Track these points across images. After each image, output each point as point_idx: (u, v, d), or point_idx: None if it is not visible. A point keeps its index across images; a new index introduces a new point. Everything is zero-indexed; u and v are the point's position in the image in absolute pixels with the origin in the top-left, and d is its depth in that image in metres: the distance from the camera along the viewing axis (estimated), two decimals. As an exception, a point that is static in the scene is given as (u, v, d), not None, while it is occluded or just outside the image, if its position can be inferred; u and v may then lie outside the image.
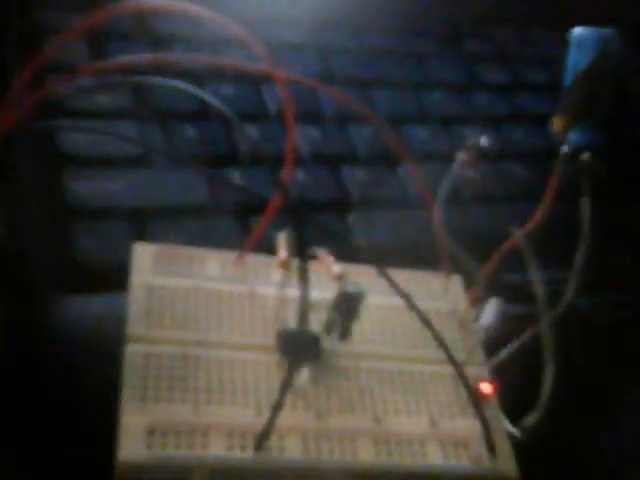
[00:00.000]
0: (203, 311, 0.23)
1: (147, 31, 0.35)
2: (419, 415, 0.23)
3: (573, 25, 0.29)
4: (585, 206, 0.23)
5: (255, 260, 0.25)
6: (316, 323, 0.23)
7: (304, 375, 0.22)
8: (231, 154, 0.32)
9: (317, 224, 0.31)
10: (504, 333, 0.24)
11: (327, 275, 0.23)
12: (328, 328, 0.23)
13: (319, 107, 0.35)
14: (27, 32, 0.32)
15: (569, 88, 0.23)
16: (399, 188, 0.34)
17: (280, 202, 0.23)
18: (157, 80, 0.22)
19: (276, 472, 0.20)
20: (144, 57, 0.29)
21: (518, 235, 0.23)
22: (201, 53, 0.34)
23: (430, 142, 0.37)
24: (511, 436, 0.23)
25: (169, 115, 0.32)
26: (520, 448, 0.23)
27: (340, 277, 0.23)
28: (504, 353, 0.24)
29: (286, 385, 0.20)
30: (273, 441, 0.20)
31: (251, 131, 0.33)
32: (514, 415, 0.24)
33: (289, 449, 0.21)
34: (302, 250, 0.20)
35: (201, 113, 0.32)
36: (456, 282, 0.27)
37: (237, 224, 0.29)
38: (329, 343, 0.23)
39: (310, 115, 0.35)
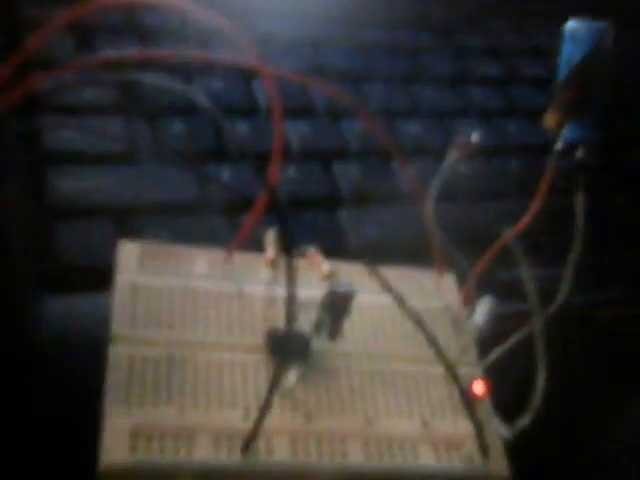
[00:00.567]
0: (190, 311, 0.22)
1: (135, 24, 0.34)
2: (411, 416, 0.22)
3: (567, 17, 0.28)
4: (579, 202, 0.23)
5: (243, 258, 0.24)
6: (305, 323, 0.22)
7: (293, 376, 0.21)
8: (219, 150, 0.31)
9: (307, 221, 0.30)
10: (497, 332, 0.24)
11: (317, 273, 0.23)
12: (317, 328, 0.22)
13: (310, 101, 0.35)
14: (10, 25, 0.31)
15: (562, 82, 0.22)
16: (391, 184, 0.33)
17: (267, 200, 0.22)
18: (143, 77, 0.22)
19: (264, 475, 0.20)
20: (132, 52, 0.29)
21: (509, 235, 0.22)
22: (190, 47, 0.34)
23: (423, 137, 0.36)
24: (505, 437, 0.22)
25: (156, 110, 0.31)
26: (512, 449, 0.22)
27: (329, 276, 0.22)
28: (497, 352, 0.24)
29: (274, 386, 0.20)
30: (261, 444, 0.20)
31: (241, 126, 0.32)
32: (507, 415, 0.23)
33: (278, 451, 0.20)
34: (290, 249, 0.19)
35: (189, 109, 0.32)
36: (449, 280, 0.26)
37: (225, 221, 0.28)
38: (319, 343, 0.22)
39: (301, 109, 0.34)
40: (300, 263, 0.20)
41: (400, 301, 0.22)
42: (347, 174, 0.33)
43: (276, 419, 0.20)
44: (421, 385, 0.23)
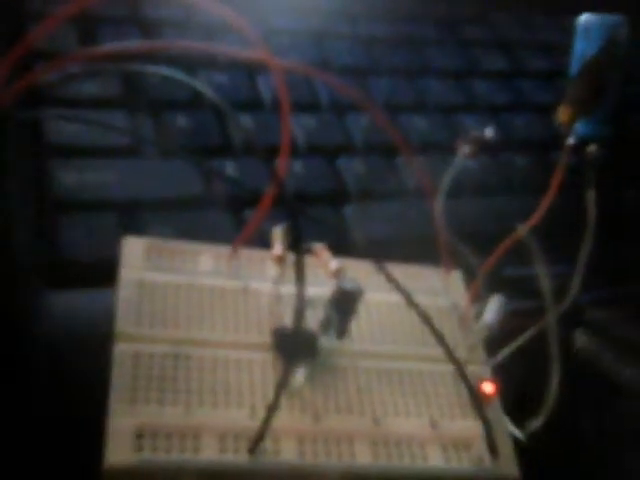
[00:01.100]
0: (195, 308, 0.22)
1: (138, 16, 0.34)
2: (419, 416, 0.22)
3: (573, 10, 0.28)
4: (590, 199, 0.23)
5: (249, 255, 0.24)
6: (313, 320, 0.22)
7: (301, 375, 0.21)
8: (224, 144, 0.31)
9: (312, 217, 0.30)
10: (506, 330, 0.24)
11: (324, 271, 0.22)
12: (325, 326, 0.22)
13: (315, 95, 0.35)
14: (13, 17, 0.31)
15: (575, 77, 0.22)
16: (397, 179, 0.33)
17: (275, 195, 0.22)
18: (149, 68, 0.21)
19: (272, 476, 0.20)
20: (135, 44, 0.28)
21: (520, 231, 0.22)
22: (194, 39, 0.34)
23: (428, 131, 0.36)
24: (514, 438, 0.22)
25: (160, 104, 0.31)
26: (522, 449, 0.22)
27: (337, 273, 0.22)
28: (506, 351, 0.23)
29: (282, 386, 0.19)
30: (268, 443, 0.20)
31: (245, 120, 0.32)
32: (516, 413, 0.23)
33: (285, 452, 0.20)
34: (299, 245, 0.19)
35: (193, 102, 0.31)
36: (456, 277, 0.26)
37: (230, 217, 0.28)
38: (326, 341, 0.22)
39: (306, 104, 0.34)
40: (307, 260, 0.19)
41: (408, 299, 0.21)
42: (352, 169, 0.32)
43: (283, 419, 0.20)
44: (429, 384, 0.23)
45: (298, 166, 0.31)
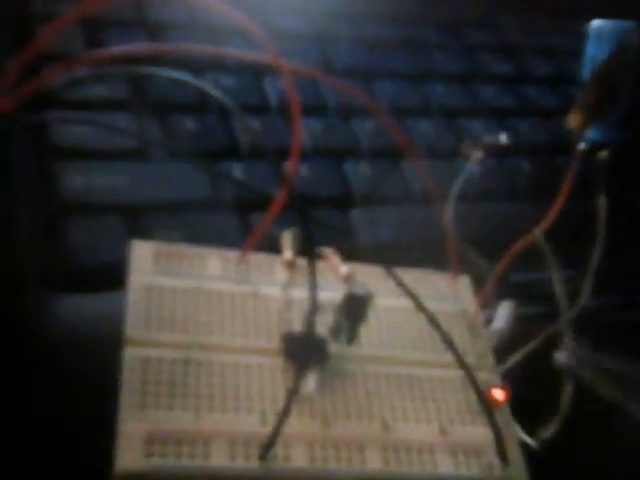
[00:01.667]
0: (204, 313, 0.22)
1: (144, 19, 0.34)
2: (429, 422, 0.22)
3: (579, 15, 0.28)
4: (601, 205, 0.23)
5: (258, 259, 0.24)
6: (322, 326, 0.22)
7: (311, 381, 0.21)
8: (231, 147, 0.31)
9: (318, 220, 0.30)
10: (515, 336, 0.24)
11: (334, 276, 0.22)
12: (335, 331, 0.22)
13: (321, 99, 0.35)
14: (20, 19, 0.31)
15: (587, 82, 0.22)
16: (404, 183, 0.33)
17: (285, 198, 0.22)
18: (156, 70, 0.21)
19: (282, 482, 0.20)
20: (142, 46, 0.28)
21: (533, 236, 0.22)
22: (200, 41, 0.33)
23: (433, 136, 0.36)
24: (525, 445, 0.22)
25: (167, 106, 0.31)
26: (532, 456, 0.22)
27: (348, 278, 0.22)
28: (516, 357, 0.23)
29: (293, 392, 0.19)
30: (279, 450, 0.20)
31: (252, 123, 0.32)
32: (524, 420, 0.23)
33: (295, 458, 0.20)
34: (310, 251, 0.19)
35: (200, 104, 0.31)
36: (464, 283, 0.26)
37: (238, 220, 0.28)
38: (336, 347, 0.22)
39: (312, 107, 0.34)
40: (317, 264, 0.19)
41: (417, 304, 0.21)
42: (359, 172, 0.32)
43: (294, 425, 0.20)
44: (439, 390, 0.23)
45: (304, 169, 0.31)
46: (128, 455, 0.18)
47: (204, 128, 0.30)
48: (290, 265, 0.23)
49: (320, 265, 0.22)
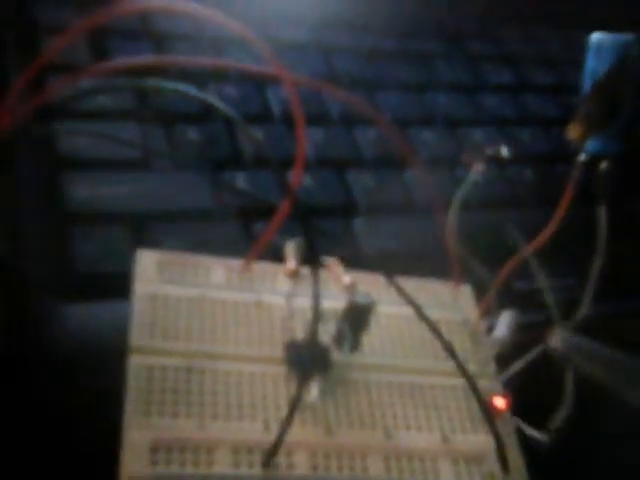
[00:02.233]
0: (208, 321, 0.22)
1: (149, 30, 0.34)
2: (430, 430, 0.22)
3: (581, 26, 0.28)
4: (602, 215, 0.23)
5: (262, 268, 0.24)
6: (325, 334, 0.22)
7: (314, 389, 0.21)
8: (235, 156, 0.31)
9: (322, 230, 0.30)
10: (517, 345, 0.24)
11: (336, 284, 0.22)
12: (338, 340, 0.22)
13: (324, 109, 0.35)
14: (26, 32, 0.31)
15: (587, 95, 0.22)
16: (406, 193, 0.33)
17: (288, 208, 0.22)
18: (160, 84, 0.21)
19: (285, 490, 0.20)
20: (146, 58, 0.29)
21: (530, 247, 0.22)
22: (204, 52, 0.34)
23: (436, 145, 0.36)
24: (527, 449, 0.22)
25: (172, 117, 0.31)
26: (534, 465, 0.22)
27: (351, 287, 0.22)
28: (517, 366, 0.23)
29: (296, 400, 0.19)
30: (281, 458, 0.20)
31: (255, 133, 0.32)
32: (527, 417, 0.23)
33: (298, 466, 0.20)
34: (314, 260, 0.19)
35: (204, 115, 0.31)
36: (466, 292, 0.26)
37: (241, 229, 0.28)
38: (339, 355, 0.22)
39: (315, 117, 0.34)
40: (321, 274, 0.20)
41: (419, 312, 0.21)
42: (361, 182, 0.32)
43: (296, 433, 0.20)
44: (440, 398, 0.23)
45: (308, 179, 0.31)
46: (133, 463, 0.19)
47: (208, 138, 0.31)
48: (293, 274, 0.23)
49: (323, 274, 0.22)
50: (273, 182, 0.28)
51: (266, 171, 0.30)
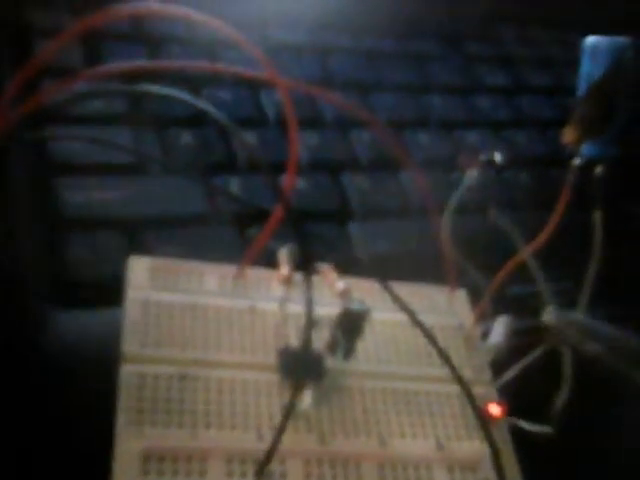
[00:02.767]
0: (201, 328, 0.22)
1: (143, 33, 0.34)
2: (425, 437, 0.22)
3: (577, 28, 0.28)
4: (597, 218, 0.23)
5: (255, 274, 0.24)
6: (319, 341, 0.22)
7: (308, 396, 0.21)
8: (229, 161, 0.31)
9: (316, 234, 0.30)
10: (513, 350, 0.24)
11: (331, 291, 0.22)
12: (331, 346, 0.22)
13: (318, 112, 0.35)
14: (19, 34, 0.31)
15: (582, 99, 0.22)
16: (401, 196, 0.33)
17: (281, 213, 0.22)
18: (153, 89, 0.21)
19: (278, 499, 0.20)
20: (140, 63, 0.28)
21: (526, 251, 0.22)
22: (198, 55, 0.34)
23: (431, 147, 0.36)
24: (529, 452, 0.22)
25: (165, 121, 0.31)
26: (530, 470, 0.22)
27: (344, 294, 0.22)
28: (512, 372, 0.23)
29: (289, 408, 0.19)
30: (275, 466, 0.20)
31: (249, 137, 0.32)
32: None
33: (291, 474, 0.20)
34: (308, 266, 0.19)
35: (197, 119, 0.31)
36: (461, 296, 0.26)
37: (235, 234, 0.28)
38: (332, 362, 0.22)
39: (309, 120, 0.34)
40: (314, 280, 0.19)
41: (414, 319, 0.21)
42: (356, 185, 0.32)
43: (290, 441, 0.20)
44: (435, 405, 0.23)
45: (302, 183, 0.31)
46: (125, 472, 0.18)
47: (202, 142, 0.31)
48: (287, 280, 0.23)
49: (317, 280, 0.22)
50: (266, 186, 0.28)
51: (260, 176, 0.30)
